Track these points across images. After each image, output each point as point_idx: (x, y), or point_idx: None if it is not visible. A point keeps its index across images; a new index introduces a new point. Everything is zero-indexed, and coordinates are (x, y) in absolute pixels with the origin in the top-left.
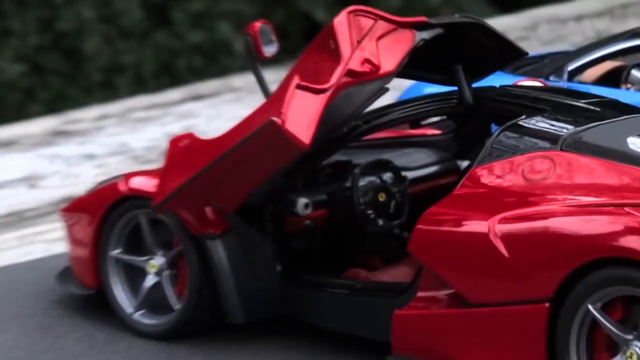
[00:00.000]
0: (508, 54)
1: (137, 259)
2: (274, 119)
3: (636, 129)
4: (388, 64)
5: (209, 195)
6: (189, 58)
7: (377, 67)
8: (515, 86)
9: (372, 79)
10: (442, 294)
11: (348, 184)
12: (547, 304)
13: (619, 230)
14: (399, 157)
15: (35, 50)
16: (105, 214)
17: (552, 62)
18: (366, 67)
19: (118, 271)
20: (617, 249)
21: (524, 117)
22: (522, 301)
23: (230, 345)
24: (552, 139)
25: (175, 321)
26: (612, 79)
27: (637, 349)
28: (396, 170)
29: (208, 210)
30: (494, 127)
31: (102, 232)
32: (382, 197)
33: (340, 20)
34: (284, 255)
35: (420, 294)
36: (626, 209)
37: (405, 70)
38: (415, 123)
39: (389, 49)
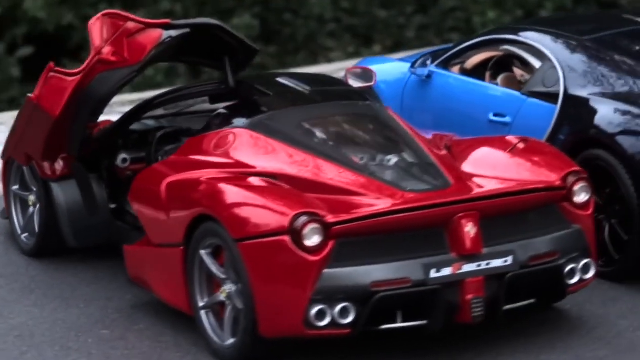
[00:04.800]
0: (248, 50)
1: (24, 194)
2: (29, 95)
3: (308, 115)
4: (135, 55)
5: (22, 147)
6: None
7: (125, 58)
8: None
9: (121, 67)
10: None
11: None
12: (181, 248)
13: (212, 193)
14: None
15: None
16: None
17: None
18: (116, 58)
19: (16, 203)
20: (207, 207)
21: (254, 99)
22: (171, 244)
23: (108, 272)
24: (246, 119)
25: (36, 243)
26: (498, 67)
27: (226, 287)
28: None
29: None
30: None
31: (6, 172)
32: None
33: (94, 22)
34: (117, 196)
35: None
36: (249, 179)
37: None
38: (214, 99)
39: (137, 44)
